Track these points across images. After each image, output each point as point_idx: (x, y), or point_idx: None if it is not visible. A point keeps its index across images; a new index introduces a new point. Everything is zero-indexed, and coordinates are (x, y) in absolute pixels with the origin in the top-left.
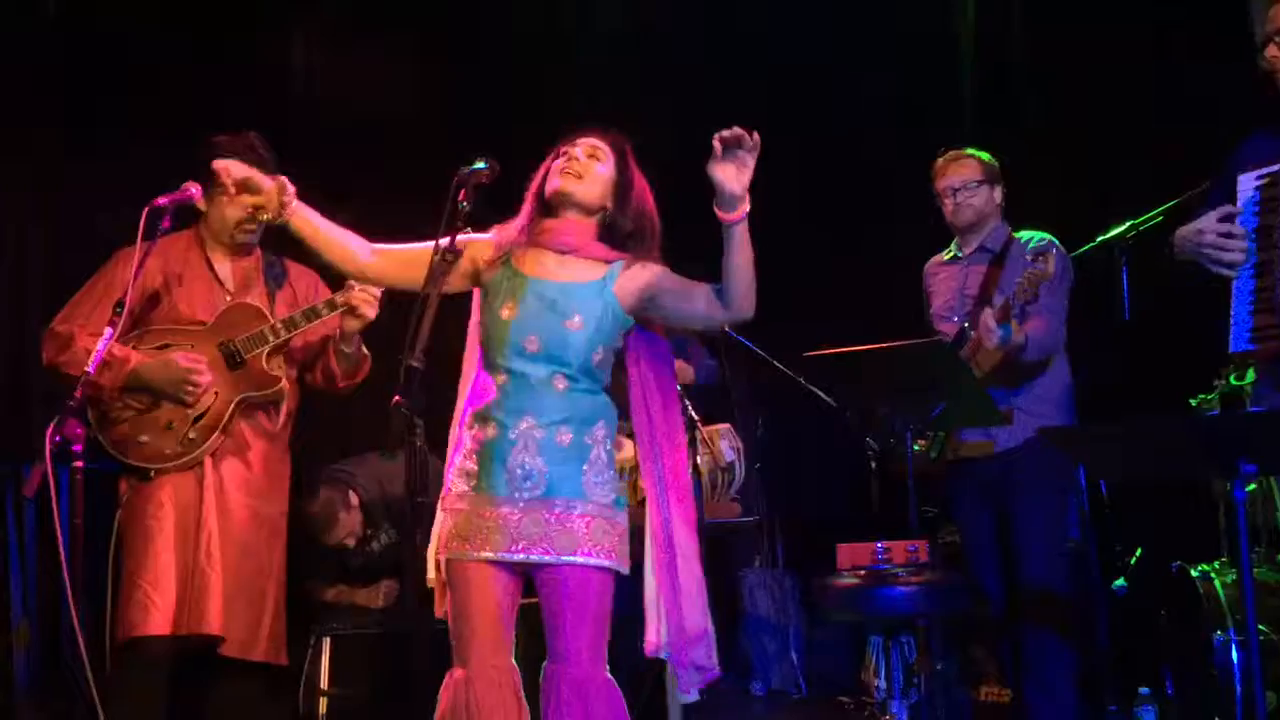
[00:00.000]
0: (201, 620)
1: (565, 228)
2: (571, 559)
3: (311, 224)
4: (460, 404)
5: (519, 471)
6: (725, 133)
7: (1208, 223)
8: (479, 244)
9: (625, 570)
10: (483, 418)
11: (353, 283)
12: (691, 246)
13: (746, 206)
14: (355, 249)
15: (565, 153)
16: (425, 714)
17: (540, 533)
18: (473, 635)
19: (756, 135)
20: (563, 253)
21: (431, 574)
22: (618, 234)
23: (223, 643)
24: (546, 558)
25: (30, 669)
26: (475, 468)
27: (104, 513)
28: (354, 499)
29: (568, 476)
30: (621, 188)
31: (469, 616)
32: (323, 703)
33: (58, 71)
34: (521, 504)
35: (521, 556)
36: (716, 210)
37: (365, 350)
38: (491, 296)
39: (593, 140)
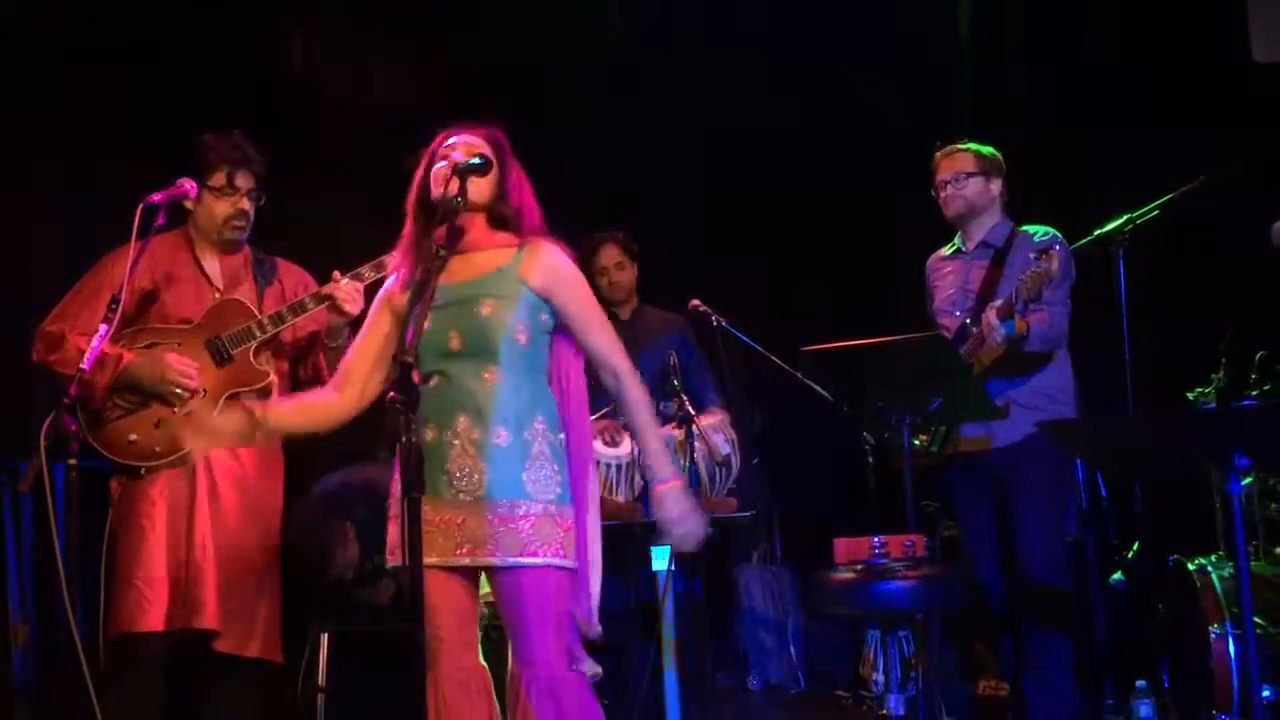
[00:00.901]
0: (196, 616)
1: (461, 230)
2: (518, 560)
3: (289, 419)
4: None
5: (458, 474)
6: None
7: None
8: (391, 288)
9: (575, 566)
10: (422, 420)
11: (338, 274)
12: (689, 244)
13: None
14: (330, 403)
15: (445, 157)
16: (423, 712)
17: (484, 535)
18: (438, 639)
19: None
20: (463, 253)
21: None
22: (505, 220)
23: (218, 638)
24: (493, 560)
25: (27, 667)
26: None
27: (100, 511)
28: (350, 532)
29: (508, 477)
30: (502, 180)
31: (431, 621)
32: (321, 699)
33: (58, 71)
34: (463, 507)
35: (468, 560)
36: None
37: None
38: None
39: (469, 139)
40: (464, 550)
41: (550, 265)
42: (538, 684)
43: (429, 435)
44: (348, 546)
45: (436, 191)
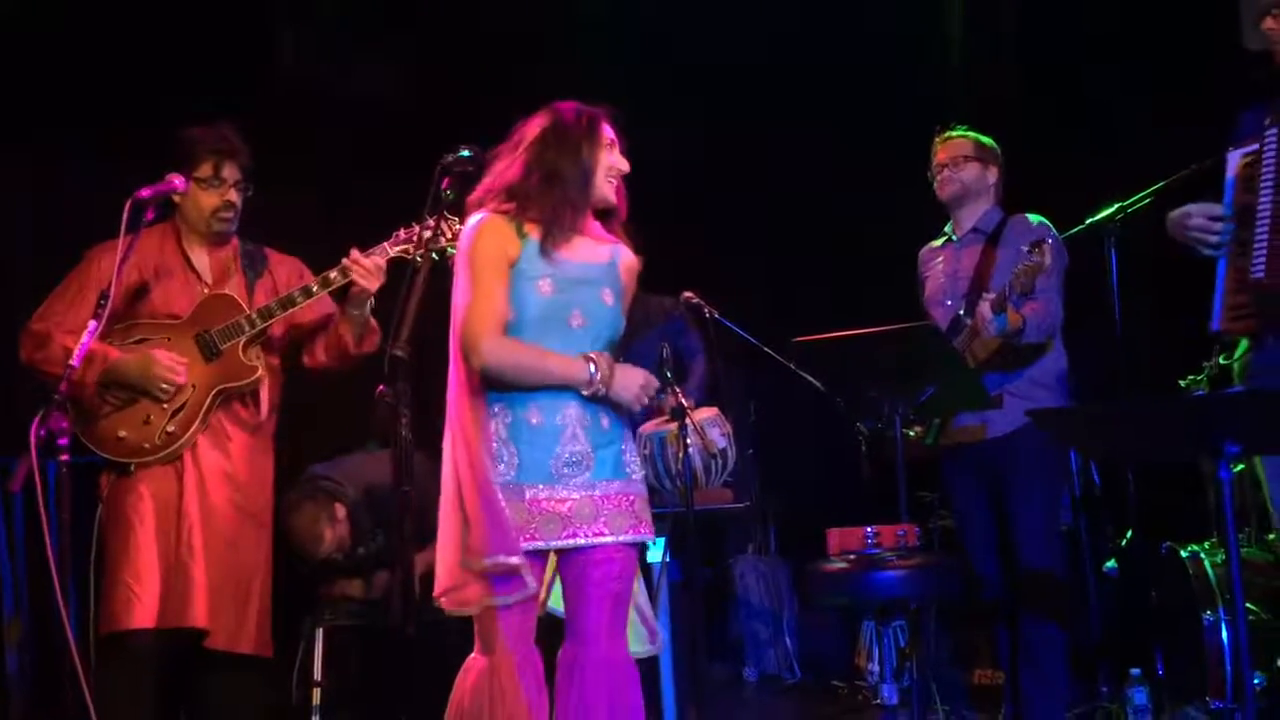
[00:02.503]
0: (186, 613)
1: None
2: (626, 537)
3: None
4: (461, 390)
5: (567, 456)
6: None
7: (1195, 207)
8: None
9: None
10: (519, 402)
11: (356, 250)
12: (687, 241)
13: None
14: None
15: (613, 145)
16: (417, 704)
17: (593, 514)
18: (503, 624)
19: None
20: (581, 234)
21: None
22: (606, 215)
23: (208, 635)
24: (604, 538)
25: (22, 664)
26: (514, 454)
27: (93, 506)
28: (340, 512)
29: (612, 458)
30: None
31: (501, 607)
32: (316, 693)
33: (47, 69)
34: (572, 489)
35: (584, 540)
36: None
37: (374, 322)
38: (521, 275)
39: (616, 139)
40: (568, 532)
41: (632, 267)
42: (593, 663)
43: (534, 418)
44: (337, 526)
45: (606, 195)
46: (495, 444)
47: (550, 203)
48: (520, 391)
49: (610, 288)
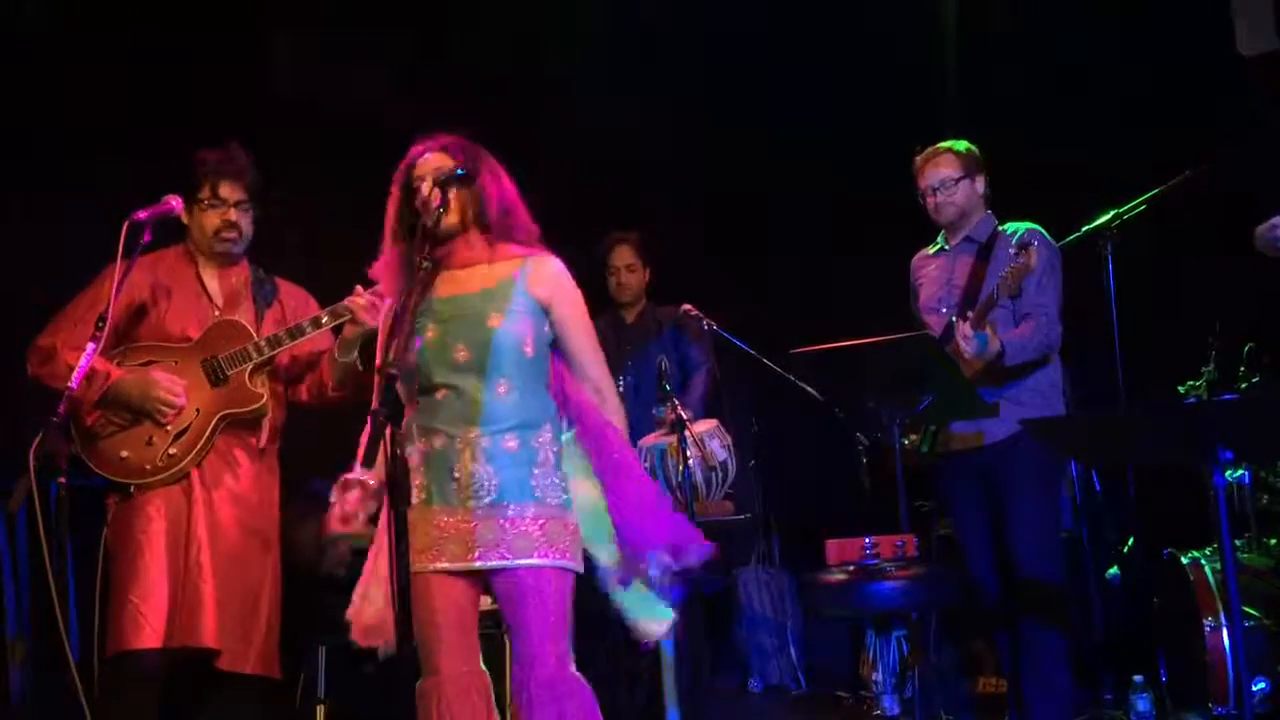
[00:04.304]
0: (194, 634)
1: (458, 247)
2: (529, 561)
3: None
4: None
5: (469, 480)
6: None
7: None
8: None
9: (580, 569)
10: (425, 430)
11: (360, 288)
12: (687, 243)
13: None
14: None
15: (417, 189)
16: None
17: (495, 538)
18: (440, 644)
19: None
20: (466, 267)
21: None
22: (504, 231)
23: (217, 656)
24: (506, 562)
25: (26, 684)
26: (423, 480)
27: (98, 527)
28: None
29: (518, 481)
30: (480, 197)
31: (434, 627)
32: (320, 712)
33: (45, 76)
34: (475, 512)
35: (480, 564)
36: None
37: (359, 364)
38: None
39: (438, 163)
40: (476, 555)
41: (553, 276)
42: (537, 684)
43: (438, 443)
44: (340, 543)
45: (428, 220)
46: (411, 472)
47: (400, 264)
48: (425, 417)
49: (501, 309)
